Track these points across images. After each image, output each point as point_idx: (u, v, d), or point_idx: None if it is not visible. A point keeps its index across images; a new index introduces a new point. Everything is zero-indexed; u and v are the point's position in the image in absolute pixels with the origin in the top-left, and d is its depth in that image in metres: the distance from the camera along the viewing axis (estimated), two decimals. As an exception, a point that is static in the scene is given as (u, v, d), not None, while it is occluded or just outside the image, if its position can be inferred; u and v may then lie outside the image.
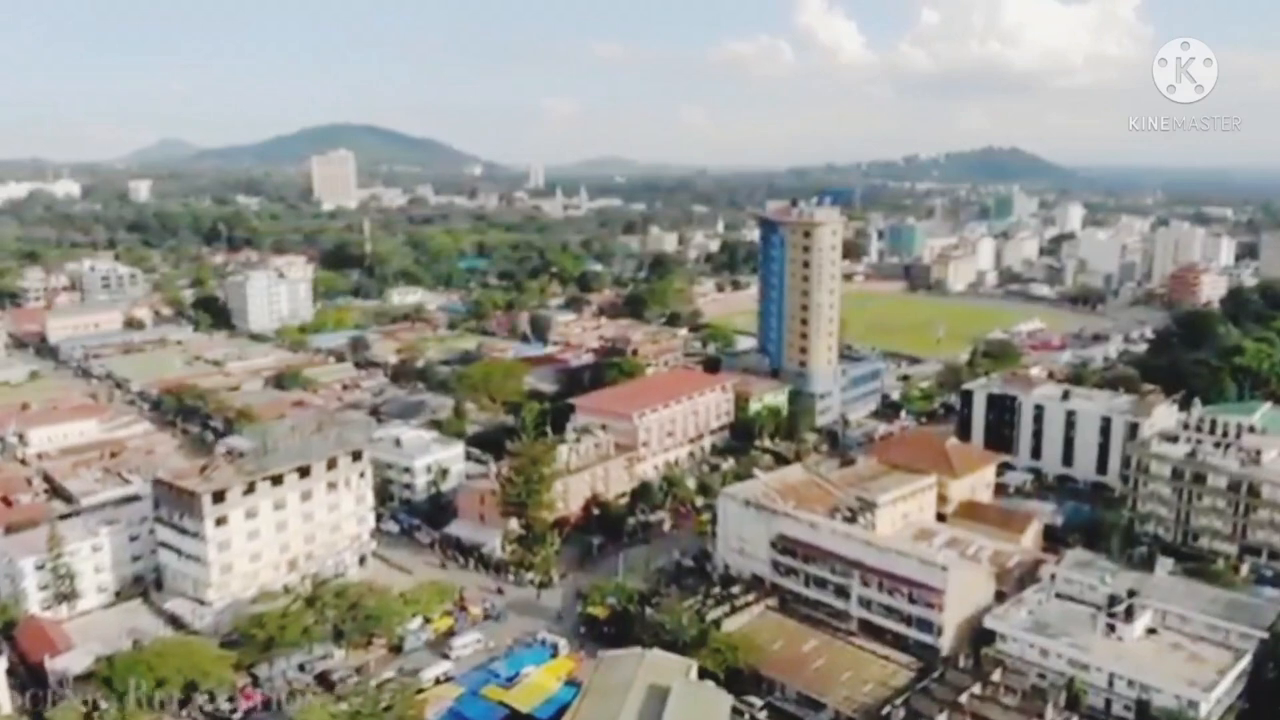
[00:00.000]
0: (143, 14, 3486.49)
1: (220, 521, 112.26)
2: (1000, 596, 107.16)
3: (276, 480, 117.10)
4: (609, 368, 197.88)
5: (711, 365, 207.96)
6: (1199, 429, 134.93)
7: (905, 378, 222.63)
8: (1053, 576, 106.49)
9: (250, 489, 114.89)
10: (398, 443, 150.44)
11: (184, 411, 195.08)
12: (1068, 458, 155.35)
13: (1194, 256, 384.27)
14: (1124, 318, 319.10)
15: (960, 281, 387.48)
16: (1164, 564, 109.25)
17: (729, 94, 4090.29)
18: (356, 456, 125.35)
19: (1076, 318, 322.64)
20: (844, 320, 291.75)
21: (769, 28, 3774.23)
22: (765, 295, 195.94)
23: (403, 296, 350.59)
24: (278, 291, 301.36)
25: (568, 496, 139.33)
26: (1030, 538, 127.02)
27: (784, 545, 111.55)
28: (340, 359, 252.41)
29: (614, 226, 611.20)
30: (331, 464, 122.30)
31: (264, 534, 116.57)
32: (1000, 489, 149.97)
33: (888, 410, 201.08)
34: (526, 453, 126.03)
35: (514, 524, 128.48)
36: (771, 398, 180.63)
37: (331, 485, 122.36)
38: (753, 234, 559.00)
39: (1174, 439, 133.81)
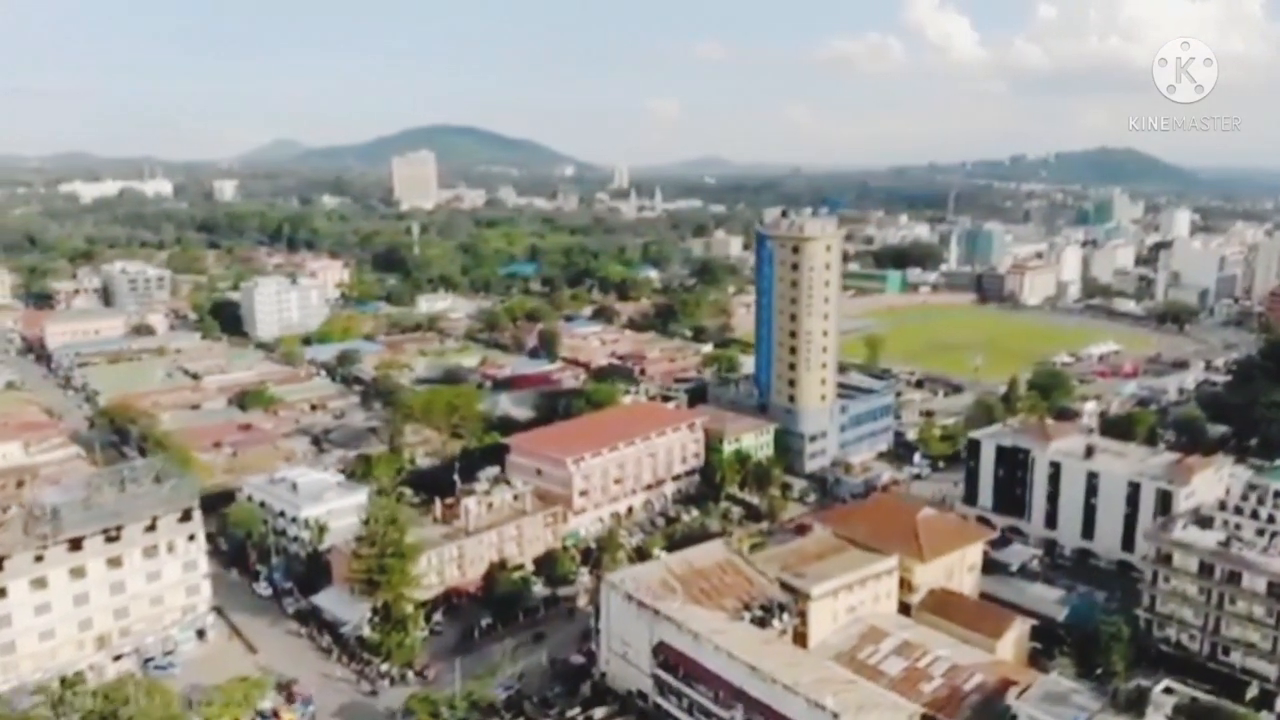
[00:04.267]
0: (264, 17, 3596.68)
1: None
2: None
3: (75, 545, 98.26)
4: (577, 396, 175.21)
5: (699, 394, 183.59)
6: (1238, 509, 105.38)
7: (929, 413, 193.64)
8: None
9: (40, 557, 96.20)
10: (294, 487, 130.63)
11: (122, 434, 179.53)
12: (1088, 529, 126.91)
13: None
14: (1214, 340, 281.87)
15: (1036, 294, 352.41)
16: (1161, 703, 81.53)
17: (834, 93, 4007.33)
18: (185, 516, 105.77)
19: (1161, 339, 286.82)
20: (889, 338, 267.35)
21: (878, 25, 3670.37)
22: (758, 318, 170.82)
23: (431, 303, 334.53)
24: (288, 298, 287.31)
25: (464, 563, 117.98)
26: (1009, 645, 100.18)
27: (665, 657, 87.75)
28: (331, 373, 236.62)
29: (685, 229, 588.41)
30: (152, 525, 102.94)
31: (58, 608, 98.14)
32: (998, 567, 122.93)
33: (902, 451, 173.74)
34: (380, 515, 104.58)
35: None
36: (752, 438, 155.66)
37: (150, 550, 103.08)
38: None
39: (1208, 521, 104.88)
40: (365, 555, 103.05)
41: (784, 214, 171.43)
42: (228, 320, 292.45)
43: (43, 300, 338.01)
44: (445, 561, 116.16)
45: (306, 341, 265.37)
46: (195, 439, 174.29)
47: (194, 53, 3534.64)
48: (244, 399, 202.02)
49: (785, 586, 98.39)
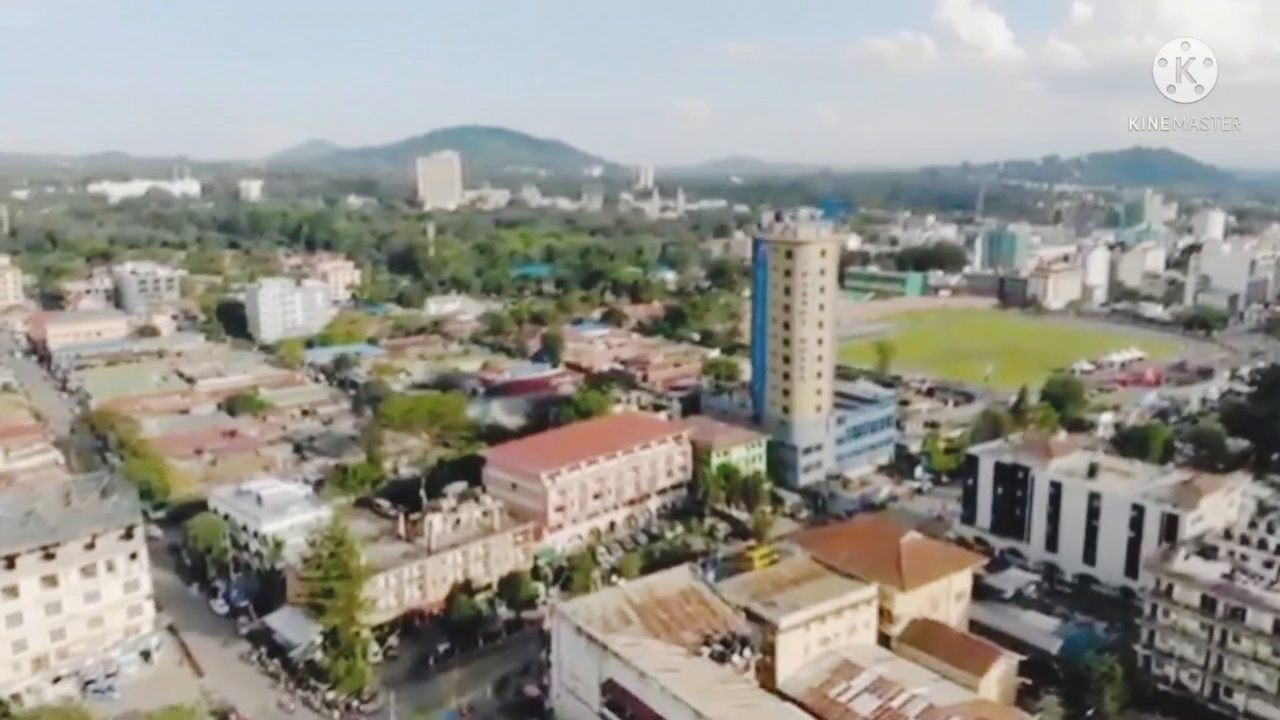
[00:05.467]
0: (300, 19, 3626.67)
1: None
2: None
3: (9, 563, 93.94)
4: (565, 405, 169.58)
5: (694, 403, 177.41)
6: (1244, 539, 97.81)
7: (933, 424, 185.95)
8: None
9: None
10: (259, 499, 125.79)
11: (104, 440, 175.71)
12: (1090, 554, 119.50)
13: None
14: (1243, 347, 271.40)
15: (1059, 299, 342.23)
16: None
17: (866, 92, 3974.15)
18: (127, 534, 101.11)
19: (1187, 345, 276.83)
20: (904, 343, 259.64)
21: (911, 24, 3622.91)
22: (753, 326, 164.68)
23: (440, 305, 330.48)
24: (292, 300, 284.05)
25: (425, 583, 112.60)
26: (994, 682, 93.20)
27: (613, 696, 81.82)
28: (330, 376, 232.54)
29: (707, 229, 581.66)
30: (91, 543, 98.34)
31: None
32: (992, 593, 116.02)
33: (904, 464, 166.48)
34: (326, 535, 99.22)
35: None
36: (742, 451, 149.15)
37: (87, 570, 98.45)
38: (850, 239, 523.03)
39: (1212, 550, 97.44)
40: (310, 578, 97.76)
41: (778, 217, 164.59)
42: (234, 322, 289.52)
43: (54, 300, 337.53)
44: (404, 582, 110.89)
45: (309, 344, 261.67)
46: (177, 445, 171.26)
47: (231, 54, 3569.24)
48: (234, 404, 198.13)
49: (752, 617, 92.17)
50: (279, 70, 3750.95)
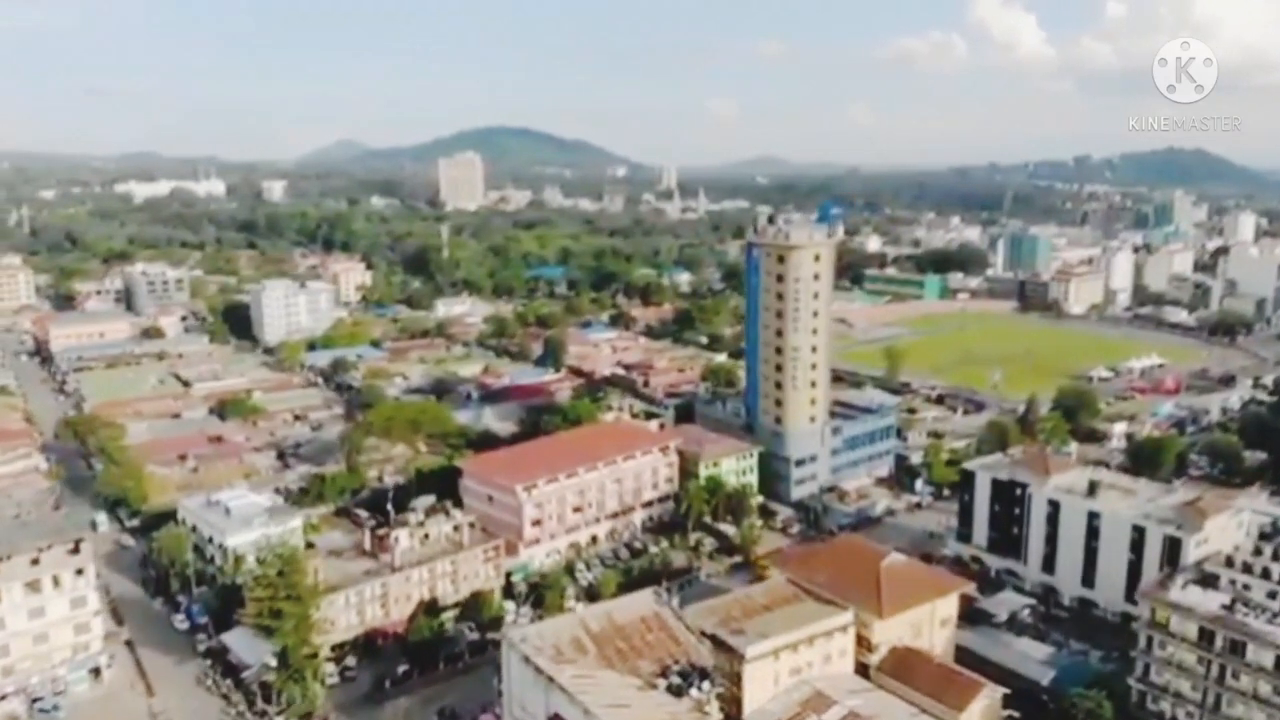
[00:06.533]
0: (331, 20, 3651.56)
1: None
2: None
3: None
4: (553, 412, 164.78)
5: (688, 411, 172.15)
6: (1247, 567, 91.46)
7: (937, 434, 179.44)
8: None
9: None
10: (227, 511, 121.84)
11: (86, 446, 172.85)
12: (1089, 576, 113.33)
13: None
14: (1269, 354, 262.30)
15: (1081, 303, 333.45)
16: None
17: (895, 92, 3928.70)
18: (75, 549, 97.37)
19: (1211, 352, 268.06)
20: (919, 348, 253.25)
21: (942, 23, 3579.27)
22: (748, 333, 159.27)
23: (448, 308, 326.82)
24: (296, 302, 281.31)
25: (388, 601, 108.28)
26: (975, 717, 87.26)
27: (559, 729, 76.88)
28: (329, 380, 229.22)
29: (727, 230, 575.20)
30: (35, 559, 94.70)
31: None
32: (983, 617, 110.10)
33: (905, 476, 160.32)
34: (277, 554, 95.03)
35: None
36: (732, 462, 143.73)
37: (32, 586, 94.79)
38: (871, 240, 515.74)
39: (1213, 579, 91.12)
40: (259, 597, 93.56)
41: (771, 220, 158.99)
42: (239, 324, 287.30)
43: (65, 301, 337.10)
44: (366, 600, 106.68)
45: (312, 347, 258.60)
46: (161, 451, 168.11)
47: (264, 56, 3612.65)
48: (224, 408, 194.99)
49: (719, 644, 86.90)
50: (310, 71, 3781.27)
